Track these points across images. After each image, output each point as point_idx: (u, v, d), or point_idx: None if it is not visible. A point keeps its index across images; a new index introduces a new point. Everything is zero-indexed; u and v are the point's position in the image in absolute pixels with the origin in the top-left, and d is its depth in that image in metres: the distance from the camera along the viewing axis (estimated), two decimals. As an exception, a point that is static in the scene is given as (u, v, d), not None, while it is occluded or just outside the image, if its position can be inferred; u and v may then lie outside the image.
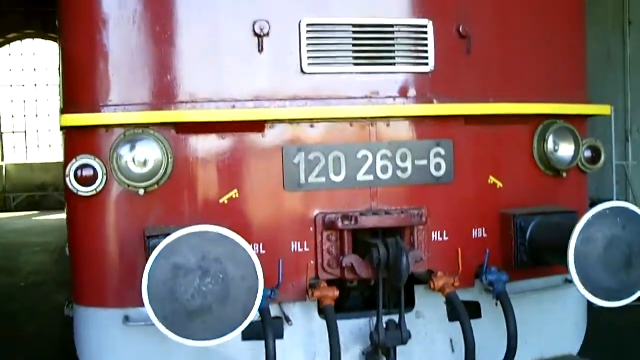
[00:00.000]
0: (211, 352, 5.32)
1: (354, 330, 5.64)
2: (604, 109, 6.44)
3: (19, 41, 36.62)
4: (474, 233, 5.77)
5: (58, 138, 30.73)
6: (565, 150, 6.04)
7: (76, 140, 5.42)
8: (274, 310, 5.37)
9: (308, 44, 5.44)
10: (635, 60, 13.20)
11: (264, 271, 4.68)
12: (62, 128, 5.54)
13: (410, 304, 5.76)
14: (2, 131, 37.10)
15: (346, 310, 5.70)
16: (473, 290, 5.80)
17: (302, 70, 5.44)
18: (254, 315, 4.66)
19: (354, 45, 5.52)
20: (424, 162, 5.63)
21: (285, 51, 5.44)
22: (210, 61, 5.38)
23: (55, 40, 31.93)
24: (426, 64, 5.64)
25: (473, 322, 5.30)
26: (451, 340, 5.82)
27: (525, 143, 6.00)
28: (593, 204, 5.20)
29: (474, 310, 5.78)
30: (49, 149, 37.57)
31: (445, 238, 5.68)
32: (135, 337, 5.34)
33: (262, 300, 4.69)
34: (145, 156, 5.24)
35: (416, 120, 5.65)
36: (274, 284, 5.20)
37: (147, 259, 4.57)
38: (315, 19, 5.45)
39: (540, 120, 5.99)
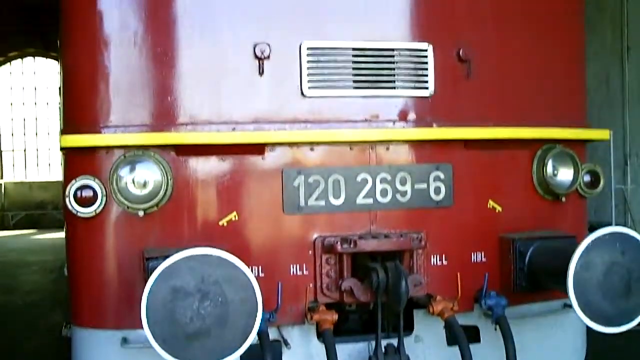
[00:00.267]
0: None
1: (352, 354, 5.61)
2: (603, 134, 6.45)
3: (20, 60, 36.74)
4: (473, 257, 5.77)
5: (57, 157, 30.79)
6: (565, 175, 6.05)
7: (76, 161, 5.42)
8: (272, 334, 5.34)
9: (308, 67, 5.46)
10: (634, 85, 13.25)
11: (263, 294, 4.66)
12: (62, 149, 5.54)
13: (409, 328, 5.74)
14: (1, 149, 37.13)
15: (345, 334, 5.67)
16: (472, 315, 5.78)
17: (302, 94, 5.46)
18: (252, 338, 4.63)
19: (354, 68, 5.54)
20: (424, 186, 5.63)
21: (285, 74, 5.46)
22: (211, 83, 5.40)
23: (56, 60, 32.08)
24: (426, 88, 5.66)
25: (472, 346, 5.27)
26: (450, 365, 5.80)
27: (524, 167, 6.00)
28: (592, 228, 5.21)
29: (473, 334, 5.75)
30: (48, 167, 37.58)
31: (445, 262, 5.68)
32: (134, 360, 5.33)
33: (261, 324, 4.67)
34: (145, 178, 5.24)
35: (416, 144, 5.67)
36: (273, 307, 5.18)
37: (146, 280, 4.56)
38: (315, 42, 5.48)
39: (539, 144, 6.00)
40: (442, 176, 5.67)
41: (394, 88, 5.62)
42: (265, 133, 5.36)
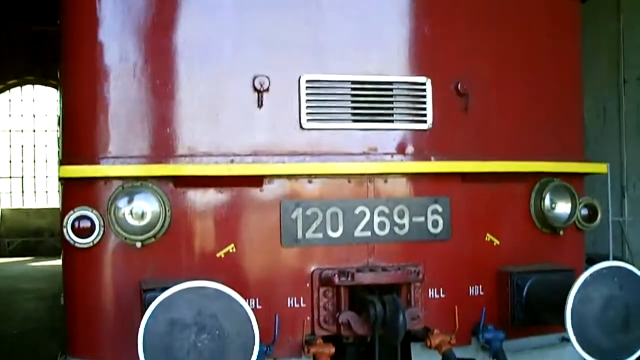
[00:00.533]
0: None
1: (349, 387, 5.60)
2: (600, 167, 6.48)
3: (19, 87, 36.81)
4: (471, 290, 5.77)
5: (55, 184, 30.76)
6: (563, 208, 6.07)
7: (74, 191, 5.43)
8: (269, 367, 5.32)
9: (307, 100, 5.49)
10: (630, 118, 13.30)
11: (260, 327, 4.65)
12: (60, 179, 5.54)
13: (406, 362, 5.72)
14: (-1, 176, 37.14)
15: (342, 367, 5.65)
16: (470, 348, 5.76)
17: (301, 126, 5.48)
18: (249, 371, 4.62)
19: (352, 102, 5.57)
20: (422, 219, 5.64)
21: (284, 107, 5.48)
22: (210, 115, 5.42)
23: (55, 87, 32.20)
24: (424, 121, 5.69)
25: (470, 380, 5.27)
26: (447, 399, 5.77)
27: (522, 201, 6.02)
28: (590, 260, 5.21)
29: (470, 368, 5.74)
30: (45, 194, 37.54)
31: (442, 295, 5.67)
32: (130, 392, 5.29)
33: (257, 357, 4.64)
34: (143, 209, 5.25)
35: (414, 177, 5.68)
36: (270, 340, 5.17)
37: (143, 312, 4.55)
38: (314, 75, 5.51)
39: (537, 178, 6.02)
40: (440, 209, 5.67)
41: (392, 121, 5.65)
42: (263, 165, 5.37)
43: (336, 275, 5.31)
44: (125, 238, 5.25)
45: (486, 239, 5.85)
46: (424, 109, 5.69)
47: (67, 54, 5.61)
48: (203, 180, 5.30)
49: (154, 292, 4.75)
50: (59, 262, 5.98)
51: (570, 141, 6.36)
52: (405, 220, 5.60)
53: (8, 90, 36.88)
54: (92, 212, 5.25)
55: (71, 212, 5.25)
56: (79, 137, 5.51)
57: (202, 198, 5.38)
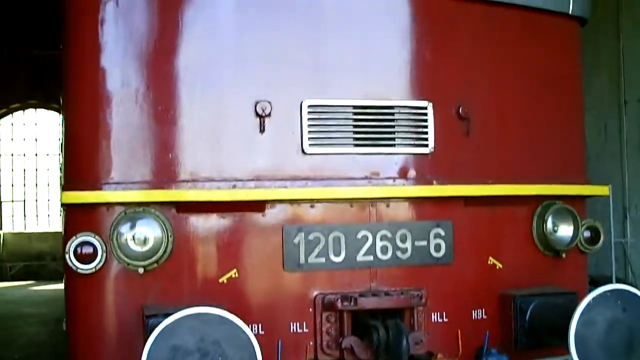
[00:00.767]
0: None
1: (353, 412, 5.56)
2: (602, 190, 6.48)
3: (21, 111, 36.88)
4: (474, 314, 5.76)
5: (57, 208, 30.75)
6: (565, 231, 6.07)
7: (77, 217, 5.42)
8: (272, 392, 5.30)
9: (309, 125, 5.51)
10: (632, 139, 13.32)
11: (263, 352, 4.62)
12: (63, 204, 5.55)
13: (410, 386, 5.69)
14: (1, 200, 37.08)
15: (345, 392, 5.62)
16: (473, 373, 5.74)
17: (303, 151, 5.49)
18: (252, 398, 4.60)
19: (354, 126, 5.59)
20: (424, 243, 5.64)
21: (286, 132, 5.50)
22: (212, 141, 5.43)
23: (57, 111, 32.22)
24: (426, 145, 5.71)
25: (474, 405, 5.25)
26: None
27: (524, 224, 6.03)
28: (593, 282, 5.20)
29: (474, 392, 5.71)
30: (47, 218, 37.50)
31: (445, 319, 5.66)
32: (132, 418, 5.26)
33: (260, 383, 4.64)
34: (145, 234, 5.25)
35: (416, 201, 5.69)
36: (273, 366, 5.15)
37: (145, 338, 4.53)
38: (316, 100, 5.53)
39: (539, 201, 6.03)
40: (442, 233, 5.68)
41: (394, 145, 5.67)
42: (265, 190, 5.38)
43: (339, 300, 5.31)
44: (128, 264, 5.24)
45: (489, 262, 5.85)
46: (426, 133, 5.71)
47: (69, 79, 5.63)
48: (205, 206, 5.30)
49: (156, 318, 4.75)
50: (61, 286, 5.97)
51: (571, 163, 6.38)
52: (408, 245, 5.60)
53: (11, 115, 36.96)
54: (94, 238, 5.25)
55: (73, 238, 5.24)
56: (81, 162, 5.51)
57: (204, 223, 5.38)
